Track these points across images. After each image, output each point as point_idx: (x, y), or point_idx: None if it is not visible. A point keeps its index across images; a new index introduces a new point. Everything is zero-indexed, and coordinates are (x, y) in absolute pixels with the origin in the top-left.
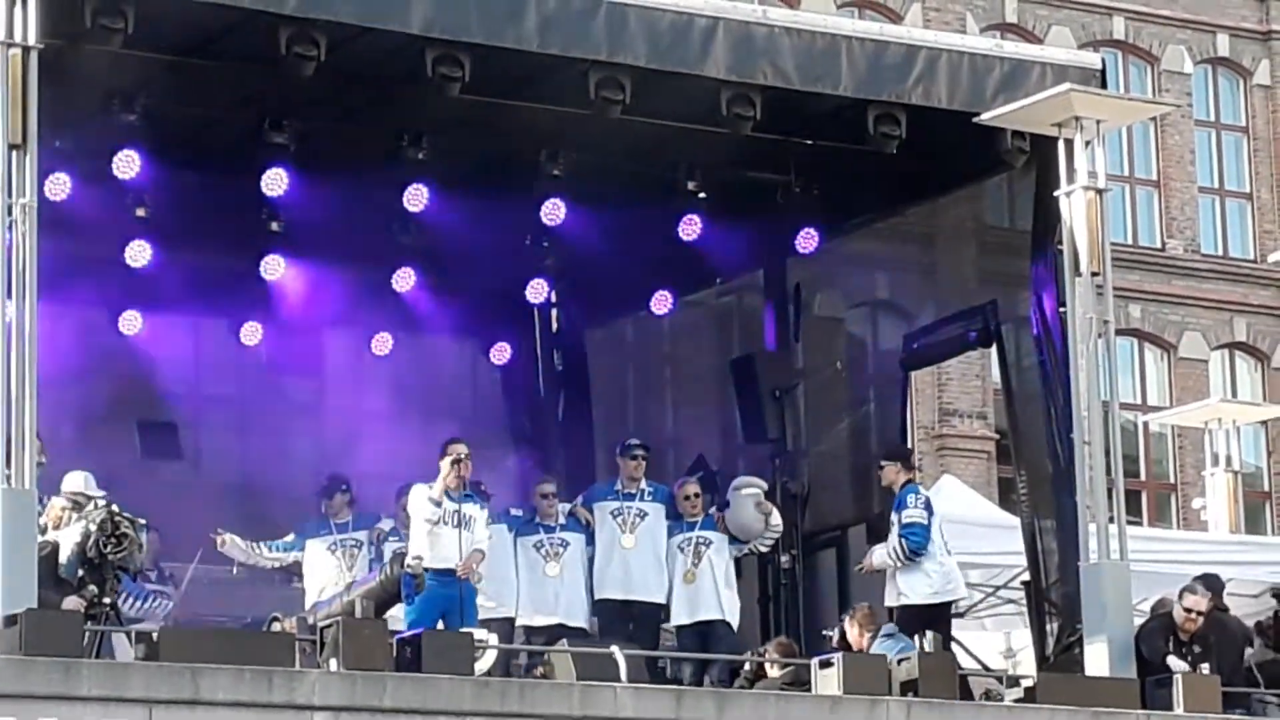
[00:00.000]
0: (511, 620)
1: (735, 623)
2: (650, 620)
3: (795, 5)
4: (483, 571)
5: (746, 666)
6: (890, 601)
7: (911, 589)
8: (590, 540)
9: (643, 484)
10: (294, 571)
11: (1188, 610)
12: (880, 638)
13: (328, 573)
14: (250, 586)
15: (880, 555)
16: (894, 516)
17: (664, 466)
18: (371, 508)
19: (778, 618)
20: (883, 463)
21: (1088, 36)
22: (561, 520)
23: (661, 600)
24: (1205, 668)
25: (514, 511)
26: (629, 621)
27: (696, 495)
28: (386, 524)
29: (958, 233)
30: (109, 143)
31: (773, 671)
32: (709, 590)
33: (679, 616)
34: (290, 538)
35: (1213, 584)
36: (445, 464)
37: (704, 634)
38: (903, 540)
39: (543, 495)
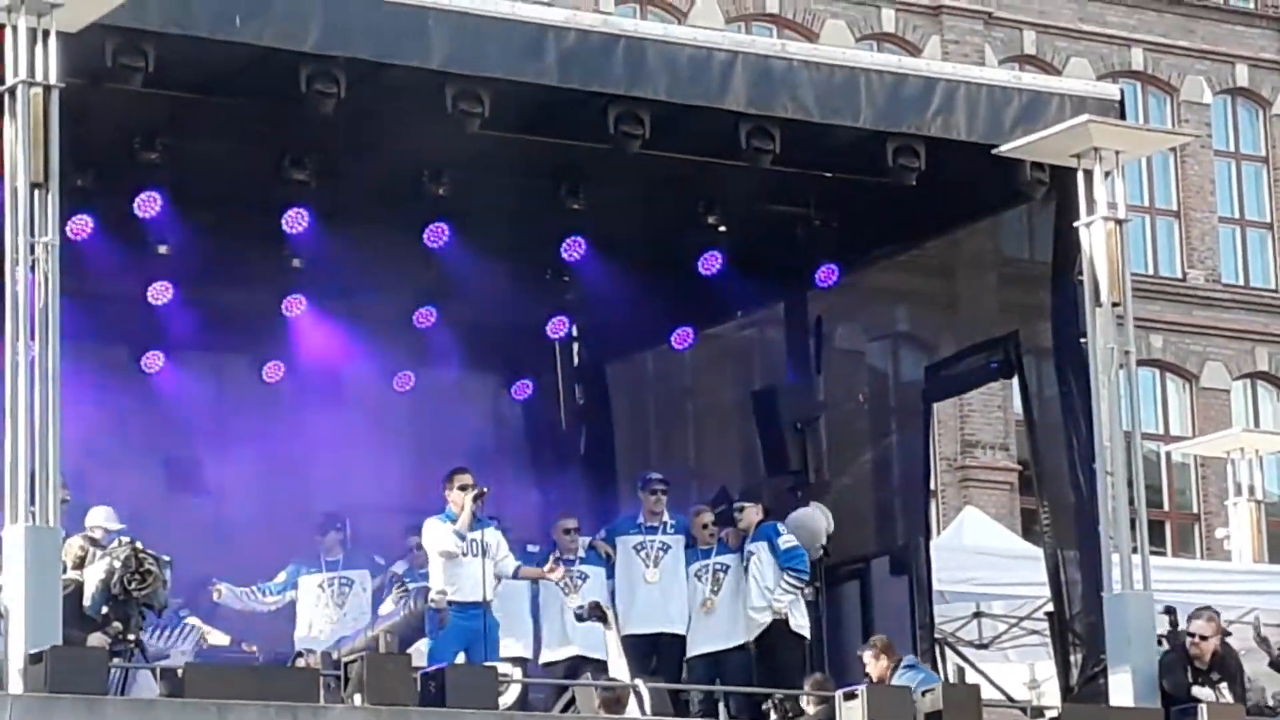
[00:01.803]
0: (527, 660)
1: (796, 619)
2: (674, 653)
3: (814, 39)
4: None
5: (777, 698)
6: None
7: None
8: (610, 573)
9: (665, 517)
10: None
11: (1192, 635)
12: (901, 669)
13: (316, 609)
14: (272, 620)
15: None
16: (757, 549)
17: (686, 500)
18: (391, 543)
19: (809, 645)
20: (742, 505)
21: (1106, 68)
22: (581, 554)
23: (683, 632)
24: (1228, 694)
25: (531, 549)
26: (653, 655)
27: (713, 523)
28: (399, 567)
29: (978, 264)
30: (130, 182)
31: (809, 709)
32: (729, 617)
33: (696, 646)
34: (282, 576)
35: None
36: (460, 497)
37: (716, 663)
38: (789, 572)
39: (565, 531)
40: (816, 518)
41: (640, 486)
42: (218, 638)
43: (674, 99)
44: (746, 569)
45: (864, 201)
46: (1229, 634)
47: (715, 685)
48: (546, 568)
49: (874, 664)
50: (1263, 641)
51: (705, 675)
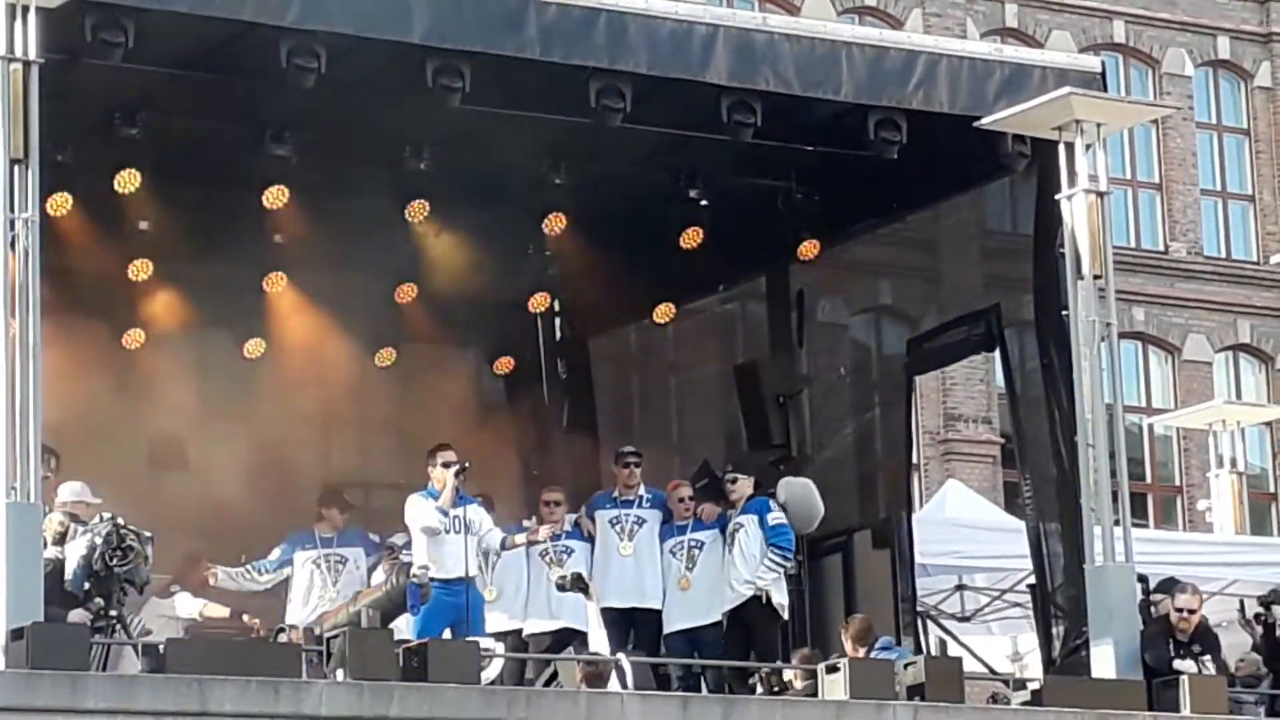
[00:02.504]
0: (519, 633)
1: (776, 596)
2: (650, 628)
3: (795, 13)
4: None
5: (764, 672)
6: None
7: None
8: (594, 550)
9: (640, 490)
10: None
11: (1179, 610)
12: (877, 650)
13: (310, 586)
14: (258, 596)
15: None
16: (746, 521)
17: (669, 473)
18: (379, 519)
19: (785, 624)
20: (736, 476)
21: (1088, 40)
22: (566, 528)
23: (658, 607)
24: (1211, 666)
25: (525, 524)
26: (629, 629)
27: (690, 497)
28: (399, 538)
29: (960, 237)
30: (110, 158)
31: (796, 683)
32: (705, 594)
33: (672, 623)
34: (276, 553)
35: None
36: (442, 473)
37: (693, 639)
38: (774, 549)
39: (546, 503)
40: (816, 500)
41: (614, 460)
42: (215, 610)
43: (655, 72)
44: (733, 540)
45: (846, 175)
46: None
47: (696, 659)
48: (530, 532)
49: (849, 647)
50: (1248, 624)
51: (683, 652)
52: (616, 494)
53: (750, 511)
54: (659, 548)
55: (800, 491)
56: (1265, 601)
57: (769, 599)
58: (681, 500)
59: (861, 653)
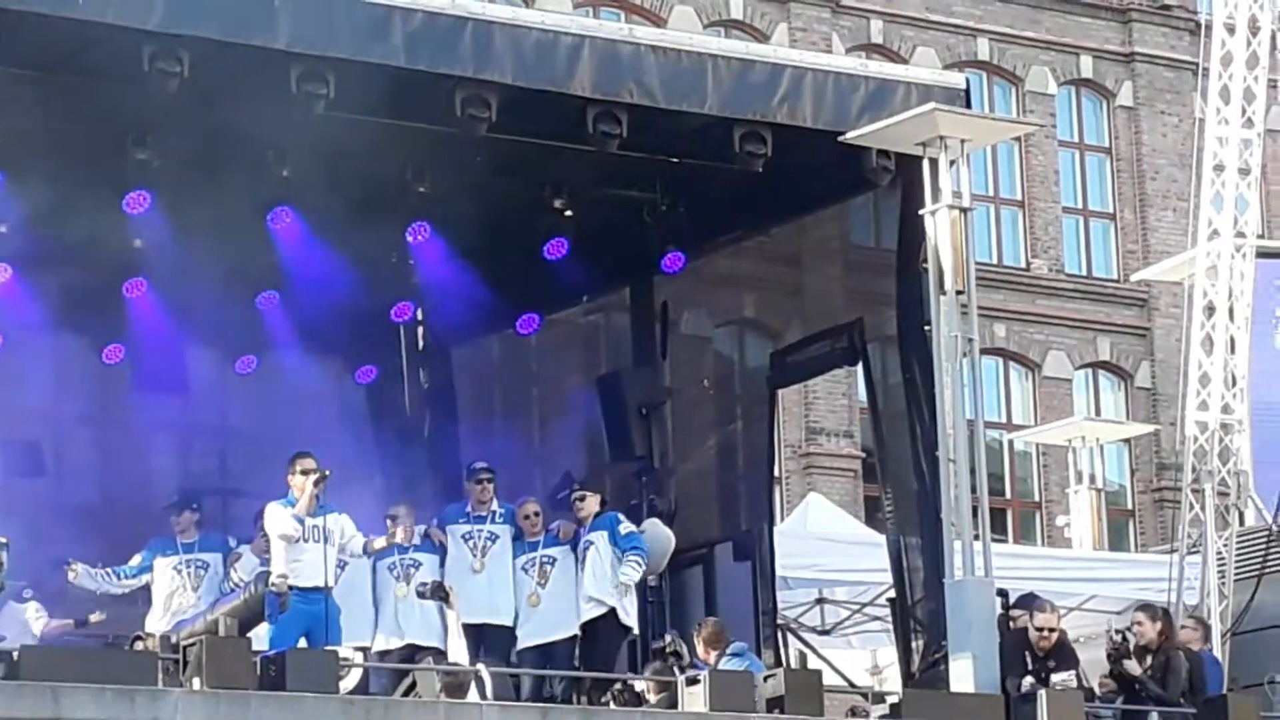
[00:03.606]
0: (367, 649)
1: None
2: (501, 644)
3: (662, 25)
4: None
5: (618, 686)
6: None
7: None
8: (444, 561)
9: (494, 505)
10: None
11: (1040, 629)
12: (728, 656)
13: (172, 592)
14: (114, 604)
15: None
16: (595, 538)
17: (531, 485)
18: (234, 528)
19: (645, 635)
20: (584, 493)
21: (953, 57)
22: (416, 541)
23: (510, 623)
24: (1070, 678)
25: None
26: (479, 644)
27: (536, 514)
28: (244, 549)
29: (824, 251)
30: None
31: (650, 696)
32: (557, 610)
33: (525, 639)
34: (137, 559)
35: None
36: (301, 481)
37: (545, 654)
38: (631, 553)
39: (390, 517)
40: (666, 535)
41: (466, 476)
42: (59, 623)
43: (520, 83)
44: (584, 558)
45: (711, 187)
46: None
47: (553, 671)
48: (389, 533)
49: (701, 650)
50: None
51: (535, 667)
52: (470, 509)
53: (600, 528)
54: (511, 564)
55: (650, 523)
56: (1113, 657)
57: (616, 614)
58: (527, 517)
59: (713, 656)
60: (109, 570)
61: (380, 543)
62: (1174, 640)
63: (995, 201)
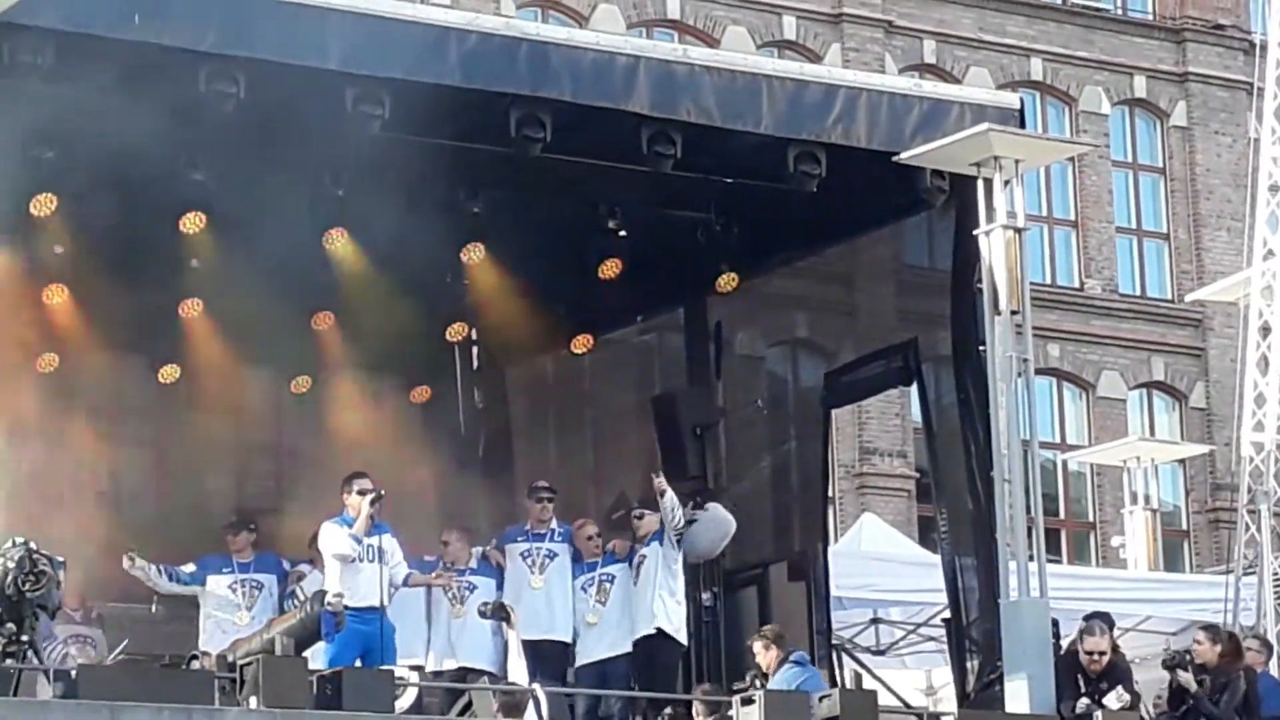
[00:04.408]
0: (421, 668)
1: (676, 631)
2: (558, 660)
3: (715, 45)
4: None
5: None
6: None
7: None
8: (501, 584)
9: (552, 524)
10: (195, 605)
11: (1089, 653)
12: (789, 664)
13: (227, 610)
14: (170, 624)
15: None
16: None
17: (584, 505)
18: (291, 548)
19: (699, 656)
20: (643, 513)
21: (1006, 77)
22: (473, 564)
23: (567, 639)
24: (1121, 693)
25: (427, 558)
26: (537, 661)
27: (597, 535)
28: (305, 568)
29: (877, 271)
30: (26, 182)
31: (699, 717)
32: (616, 627)
33: (583, 656)
34: (192, 568)
35: (1109, 621)
36: (358, 501)
37: (602, 673)
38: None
39: (443, 542)
40: (727, 518)
41: (527, 494)
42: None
43: (577, 101)
44: (638, 573)
45: (765, 207)
46: (1116, 646)
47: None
48: (434, 575)
49: (763, 654)
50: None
51: (592, 685)
52: (529, 527)
53: (652, 542)
54: (570, 582)
55: (715, 505)
56: (1168, 665)
57: (666, 630)
58: (590, 539)
59: (774, 657)
60: (161, 567)
61: (421, 579)
62: (1238, 662)
63: (1049, 222)
